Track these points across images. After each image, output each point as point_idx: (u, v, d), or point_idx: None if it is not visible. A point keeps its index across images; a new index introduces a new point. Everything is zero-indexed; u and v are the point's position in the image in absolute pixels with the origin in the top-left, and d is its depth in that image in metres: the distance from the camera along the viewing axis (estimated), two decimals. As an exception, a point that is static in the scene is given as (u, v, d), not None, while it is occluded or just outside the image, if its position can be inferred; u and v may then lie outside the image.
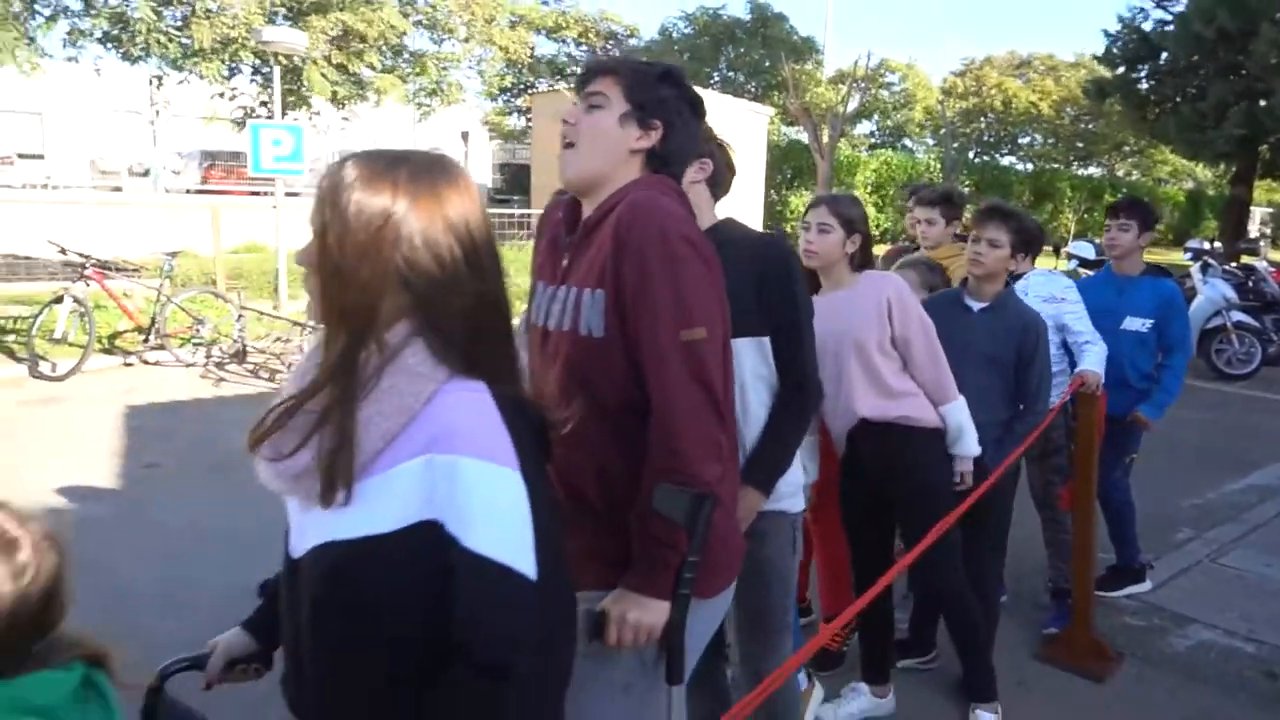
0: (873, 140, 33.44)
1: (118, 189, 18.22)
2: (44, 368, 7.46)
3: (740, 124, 17.71)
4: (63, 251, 7.88)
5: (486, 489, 1.03)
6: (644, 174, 1.61)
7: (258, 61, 15.91)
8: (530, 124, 22.39)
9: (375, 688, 1.07)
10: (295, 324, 8.39)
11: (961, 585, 2.78)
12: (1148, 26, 17.66)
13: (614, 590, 1.45)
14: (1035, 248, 3.16)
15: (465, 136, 20.11)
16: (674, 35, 23.37)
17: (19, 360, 7.72)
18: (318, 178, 1.14)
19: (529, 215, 16.46)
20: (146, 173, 20.08)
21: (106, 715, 1.06)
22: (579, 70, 1.73)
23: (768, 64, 21.46)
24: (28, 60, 13.90)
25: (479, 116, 23.54)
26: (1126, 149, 33.09)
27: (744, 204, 17.18)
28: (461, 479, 1.02)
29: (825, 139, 17.73)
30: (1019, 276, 3.44)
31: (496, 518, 1.03)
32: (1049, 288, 3.42)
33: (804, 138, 21.01)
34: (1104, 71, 19.52)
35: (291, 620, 1.17)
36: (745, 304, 1.91)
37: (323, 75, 14.47)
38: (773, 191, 22.10)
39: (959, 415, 2.67)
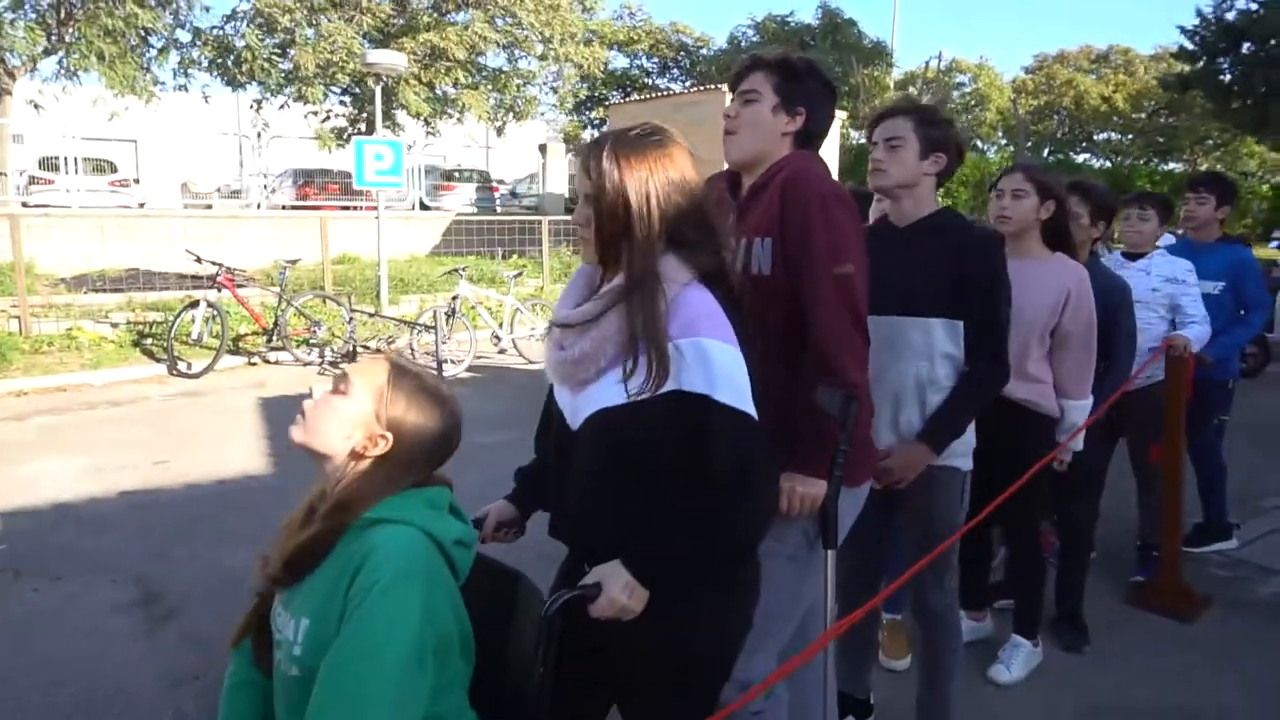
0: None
1: (208, 206, 19.36)
2: (181, 366, 8.20)
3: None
4: (198, 260, 8.62)
5: (724, 360, 1.43)
6: (793, 150, 2.01)
7: (348, 82, 16.85)
8: (604, 135, 22.92)
9: (633, 508, 1.49)
10: (404, 323, 8.99)
11: (1034, 546, 3.06)
12: (1231, 16, 17.32)
13: (781, 473, 1.83)
14: (1111, 212, 3.35)
15: (543, 149, 20.77)
16: (743, 44, 23.75)
17: (158, 360, 8.48)
18: (582, 156, 1.56)
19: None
20: (236, 193, 21.24)
21: (463, 520, 1.53)
22: (733, 69, 2.12)
23: (838, 69, 21.68)
24: (145, 90, 15.00)
25: (557, 129, 24.33)
26: (1210, 143, 32.21)
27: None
28: (708, 354, 1.42)
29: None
30: (1146, 253, 3.65)
31: (733, 379, 1.43)
32: (1172, 270, 3.60)
33: (875, 141, 21.07)
34: (1182, 67, 19.19)
35: (560, 475, 1.60)
36: (945, 288, 2.21)
37: (415, 94, 15.26)
38: (844, 195, 22.17)
39: (1079, 415, 2.82)
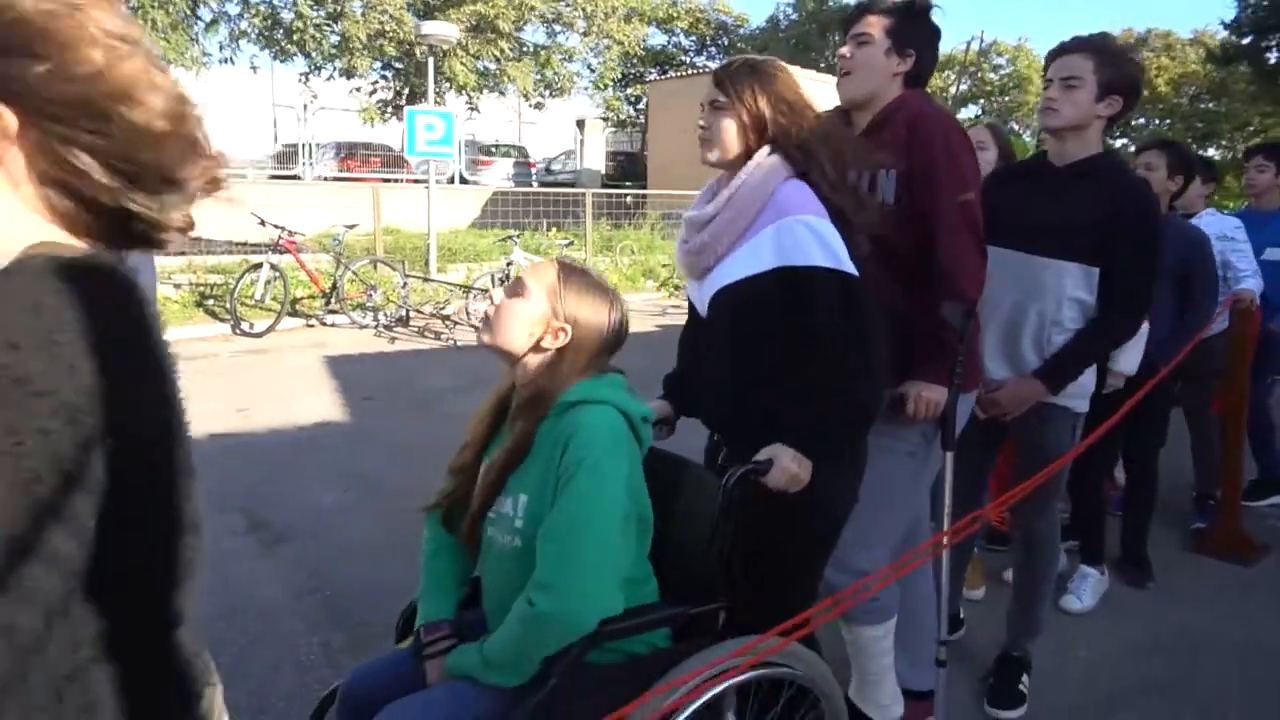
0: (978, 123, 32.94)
1: (243, 176, 19.64)
2: (244, 326, 8.46)
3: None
4: (262, 223, 8.87)
5: (822, 230, 1.69)
6: (904, 90, 2.16)
7: (394, 55, 17.05)
8: (640, 113, 23.03)
9: (762, 378, 1.74)
10: (460, 287, 9.21)
11: (1097, 486, 3.23)
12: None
13: (905, 382, 2.02)
14: (1190, 170, 3.43)
15: (580, 125, 20.90)
16: (781, 23, 23.73)
17: (221, 320, 8.76)
18: (713, 75, 1.85)
19: (644, 196, 17.20)
20: (274, 165, 21.53)
21: (638, 398, 1.69)
22: (848, 13, 2.28)
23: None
24: (194, 61, 15.29)
25: (596, 104, 24.49)
26: (1251, 129, 31.71)
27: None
28: (809, 229, 1.69)
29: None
30: (1195, 214, 3.76)
31: (829, 245, 1.69)
32: (1220, 227, 3.72)
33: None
34: (1226, 43, 18.96)
35: (696, 358, 1.89)
36: (1085, 232, 2.26)
37: (461, 65, 15.45)
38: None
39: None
